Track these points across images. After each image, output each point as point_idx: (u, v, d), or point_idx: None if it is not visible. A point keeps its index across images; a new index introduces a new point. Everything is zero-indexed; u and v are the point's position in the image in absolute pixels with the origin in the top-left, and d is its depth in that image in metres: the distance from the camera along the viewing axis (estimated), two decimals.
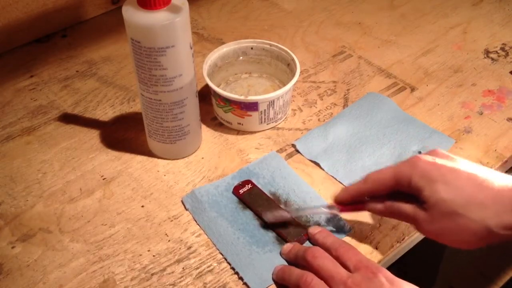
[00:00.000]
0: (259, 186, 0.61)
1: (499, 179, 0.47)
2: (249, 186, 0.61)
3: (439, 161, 0.49)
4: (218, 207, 0.59)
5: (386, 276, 0.47)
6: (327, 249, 0.51)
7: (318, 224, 0.58)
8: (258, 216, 0.58)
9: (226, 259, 0.55)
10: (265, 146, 0.67)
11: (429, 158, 0.49)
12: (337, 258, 0.50)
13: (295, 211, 0.58)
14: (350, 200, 0.54)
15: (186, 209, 0.60)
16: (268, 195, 0.60)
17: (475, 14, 0.89)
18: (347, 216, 0.58)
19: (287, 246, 0.54)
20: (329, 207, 0.56)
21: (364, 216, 0.59)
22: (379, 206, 0.52)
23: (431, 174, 0.48)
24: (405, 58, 0.81)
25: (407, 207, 0.50)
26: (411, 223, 0.50)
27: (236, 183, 0.62)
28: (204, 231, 0.58)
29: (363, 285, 0.46)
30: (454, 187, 0.47)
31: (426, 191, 0.48)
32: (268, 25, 0.88)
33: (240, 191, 0.61)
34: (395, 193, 0.51)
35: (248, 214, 0.59)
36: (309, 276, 0.48)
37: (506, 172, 0.67)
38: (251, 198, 0.60)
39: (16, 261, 0.56)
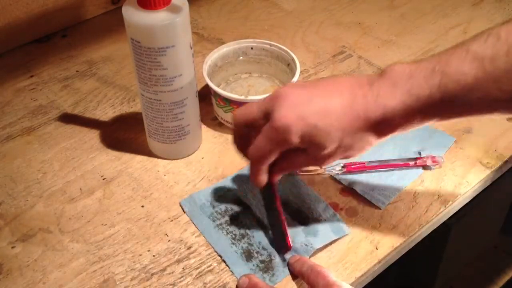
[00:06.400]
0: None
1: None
2: None
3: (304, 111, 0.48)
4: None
5: None
6: (302, 277, 0.52)
7: (317, 220, 0.58)
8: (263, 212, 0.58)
9: (225, 262, 0.55)
10: None
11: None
12: (309, 284, 0.51)
13: (293, 212, 0.59)
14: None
15: (184, 212, 0.60)
16: None
17: (475, 14, 0.89)
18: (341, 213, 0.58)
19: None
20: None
21: (364, 216, 0.59)
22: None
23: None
24: (405, 58, 0.81)
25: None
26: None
27: (235, 186, 0.62)
28: (202, 235, 0.58)
29: None
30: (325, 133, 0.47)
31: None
32: (268, 25, 0.88)
33: None
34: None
35: (248, 216, 0.59)
36: None
37: (506, 172, 0.67)
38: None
39: (16, 261, 0.56)
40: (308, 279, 0.51)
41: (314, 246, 0.55)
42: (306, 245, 0.55)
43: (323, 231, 0.57)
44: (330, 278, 0.50)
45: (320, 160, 0.50)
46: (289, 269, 0.54)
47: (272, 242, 0.56)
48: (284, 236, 0.55)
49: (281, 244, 0.55)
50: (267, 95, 0.64)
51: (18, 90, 0.76)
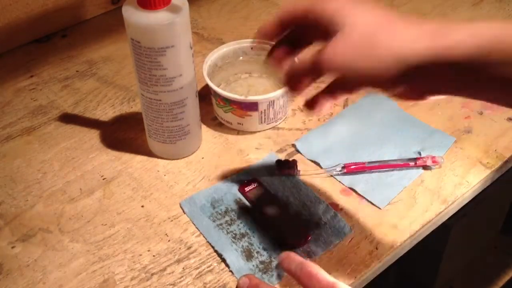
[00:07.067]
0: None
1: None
2: (255, 185, 0.61)
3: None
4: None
5: None
6: (293, 276, 0.46)
7: (318, 224, 0.58)
8: (263, 215, 0.58)
9: (225, 261, 0.55)
10: (265, 146, 0.67)
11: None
12: (303, 286, 0.46)
13: (295, 212, 0.59)
14: (272, 30, 0.52)
15: (184, 213, 0.60)
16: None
17: (475, 14, 0.89)
18: (346, 215, 0.58)
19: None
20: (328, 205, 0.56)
21: (364, 216, 0.59)
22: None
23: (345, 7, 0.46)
24: None
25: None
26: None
27: (237, 184, 0.62)
28: (203, 235, 0.58)
29: None
30: (369, 14, 0.46)
31: (338, 18, 0.45)
32: None
33: (246, 189, 0.61)
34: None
35: (248, 217, 0.59)
36: None
37: (506, 172, 0.67)
38: (256, 196, 0.60)
39: (16, 261, 0.56)
40: (299, 280, 0.46)
41: (316, 253, 0.55)
42: (308, 251, 0.55)
43: (325, 236, 0.57)
44: (326, 281, 0.44)
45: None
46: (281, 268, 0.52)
47: (284, 238, 0.56)
48: (299, 227, 0.56)
49: (301, 235, 0.56)
50: (267, 95, 0.65)
51: (18, 90, 0.76)
